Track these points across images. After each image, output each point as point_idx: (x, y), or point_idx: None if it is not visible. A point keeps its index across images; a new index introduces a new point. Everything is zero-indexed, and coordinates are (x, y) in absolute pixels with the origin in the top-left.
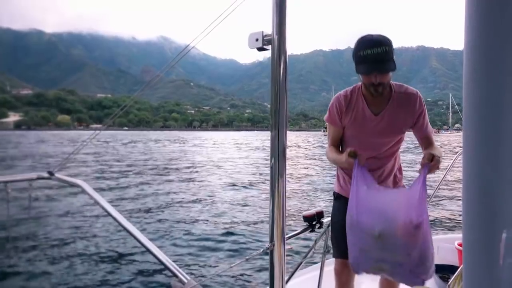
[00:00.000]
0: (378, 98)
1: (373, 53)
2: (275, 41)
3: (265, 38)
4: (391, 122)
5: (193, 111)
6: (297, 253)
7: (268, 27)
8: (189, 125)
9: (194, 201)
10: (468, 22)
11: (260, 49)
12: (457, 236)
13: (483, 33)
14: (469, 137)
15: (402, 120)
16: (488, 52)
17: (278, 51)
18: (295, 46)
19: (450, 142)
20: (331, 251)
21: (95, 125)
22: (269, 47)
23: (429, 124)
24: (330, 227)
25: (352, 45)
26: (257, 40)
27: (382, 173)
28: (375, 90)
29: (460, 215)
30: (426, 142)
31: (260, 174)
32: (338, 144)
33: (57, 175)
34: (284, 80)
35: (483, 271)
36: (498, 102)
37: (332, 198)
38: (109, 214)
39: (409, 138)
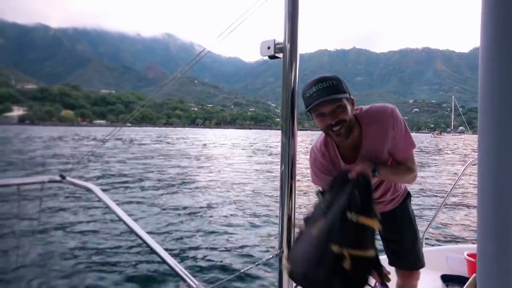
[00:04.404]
0: (349, 142)
1: (319, 88)
2: (287, 49)
3: (277, 46)
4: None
5: (196, 109)
6: None
7: (280, 35)
8: (192, 123)
9: (202, 205)
10: (484, 25)
11: (272, 57)
12: (466, 247)
13: (500, 36)
14: (485, 145)
15: (378, 153)
16: (505, 54)
17: (290, 59)
18: (300, 45)
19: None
20: None
21: (98, 121)
22: (281, 55)
23: (410, 144)
24: None
25: (357, 45)
26: (268, 48)
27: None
28: (337, 134)
29: (469, 225)
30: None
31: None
32: None
33: (69, 178)
34: (295, 88)
35: (497, 281)
36: None
37: None
38: (119, 218)
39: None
